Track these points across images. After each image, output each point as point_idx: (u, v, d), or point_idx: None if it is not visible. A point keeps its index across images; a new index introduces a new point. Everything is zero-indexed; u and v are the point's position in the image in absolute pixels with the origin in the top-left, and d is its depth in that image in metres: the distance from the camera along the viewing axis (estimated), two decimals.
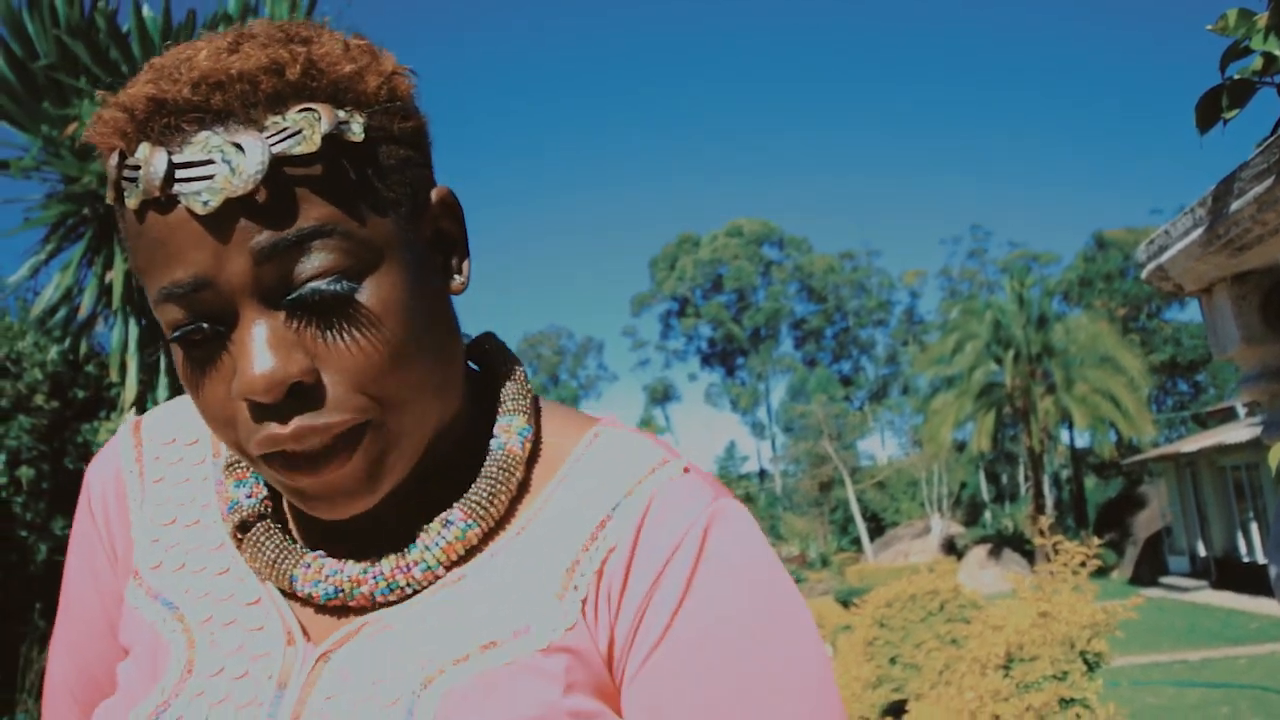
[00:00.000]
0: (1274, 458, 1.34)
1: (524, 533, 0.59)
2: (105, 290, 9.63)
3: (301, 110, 0.51)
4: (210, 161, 0.49)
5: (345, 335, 0.52)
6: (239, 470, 0.62)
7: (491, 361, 0.66)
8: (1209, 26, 1.36)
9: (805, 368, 55.05)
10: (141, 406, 9.96)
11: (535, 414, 0.64)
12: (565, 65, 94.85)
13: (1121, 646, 12.36)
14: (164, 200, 0.50)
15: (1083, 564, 3.10)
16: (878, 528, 39.93)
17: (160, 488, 0.66)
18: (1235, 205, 1.44)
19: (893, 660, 5.34)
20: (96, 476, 0.68)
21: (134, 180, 0.51)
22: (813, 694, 0.55)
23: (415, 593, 0.57)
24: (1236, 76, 1.35)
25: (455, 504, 0.58)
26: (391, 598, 0.57)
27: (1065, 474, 34.76)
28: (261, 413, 0.52)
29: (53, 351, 9.51)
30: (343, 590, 0.57)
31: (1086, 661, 2.80)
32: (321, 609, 0.58)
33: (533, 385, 0.65)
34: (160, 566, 0.62)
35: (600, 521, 0.57)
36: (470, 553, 0.58)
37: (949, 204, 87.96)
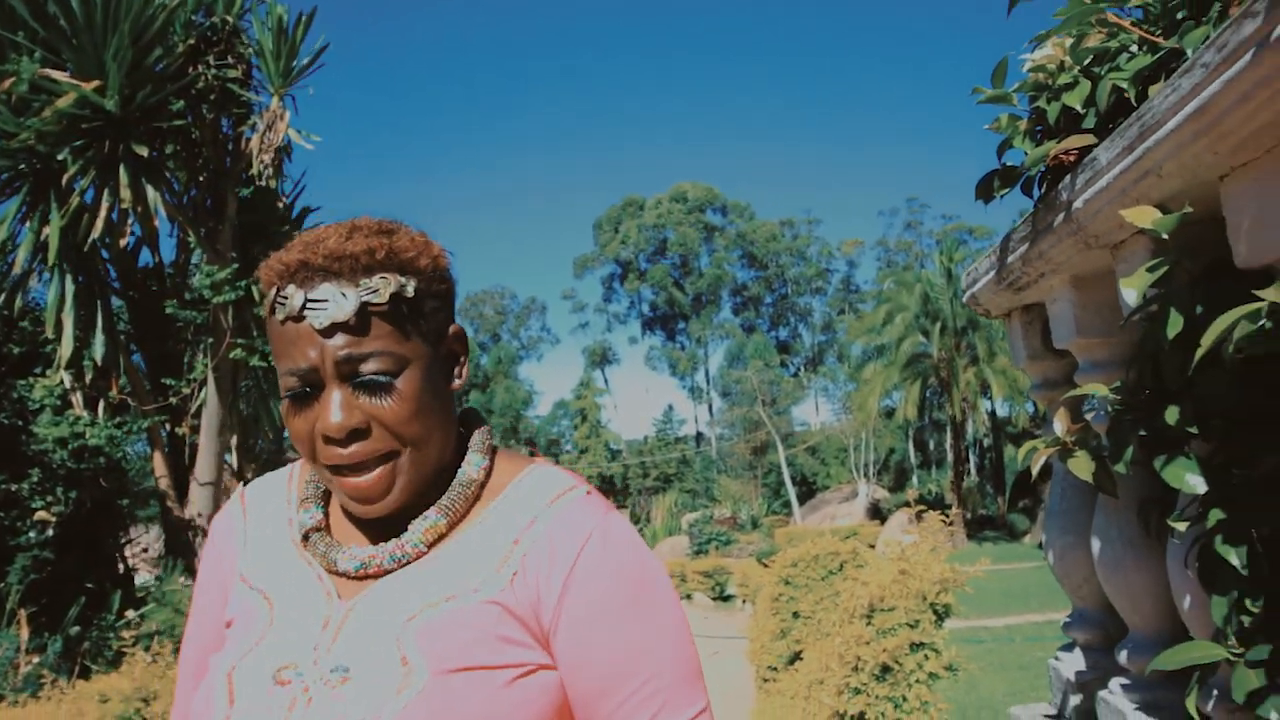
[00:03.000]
0: (1022, 453, 1.76)
1: (477, 527, 0.95)
2: (41, 246, 9.62)
3: (381, 277, 0.88)
4: (327, 301, 0.87)
5: (386, 404, 0.88)
6: (306, 504, 0.99)
7: (470, 422, 1.04)
8: (987, 126, 1.76)
9: (744, 333, 55.71)
10: (78, 364, 10.01)
11: (492, 454, 1.01)
12: (516, 28, 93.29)
13: (1020, 605, 13.23)
14: (298, 319, 0.87)
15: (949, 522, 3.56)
16: (809, 491, 41.00)
17: (255, 525, 1.03)
18: (1010, 259, 1.86)
19: (795, 615, 5.84)
20: (216, 526, 1.06)
21: (283, 304, 0.88)
22: (672, 631, 0.93)
23: (408, 563, 0.92)
24: (1007, 164, 1.75)
25: (433, 506, 0.95)
26: (393, 567, 0.92)
27: (988, 442, 36.06)
28: (332, 443, 0.89)
29: None
30: (364, 564, 0.92)
31: (936, 612, 3.28)
32: (352, 579, 0.93)
33: (493, 431, 1.04)
34: (253, 569, 0.99)
35: (529, 522, 0.94)
36: (441, 538, 0.93)
37: (890, 174, 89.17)
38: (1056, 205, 1.57)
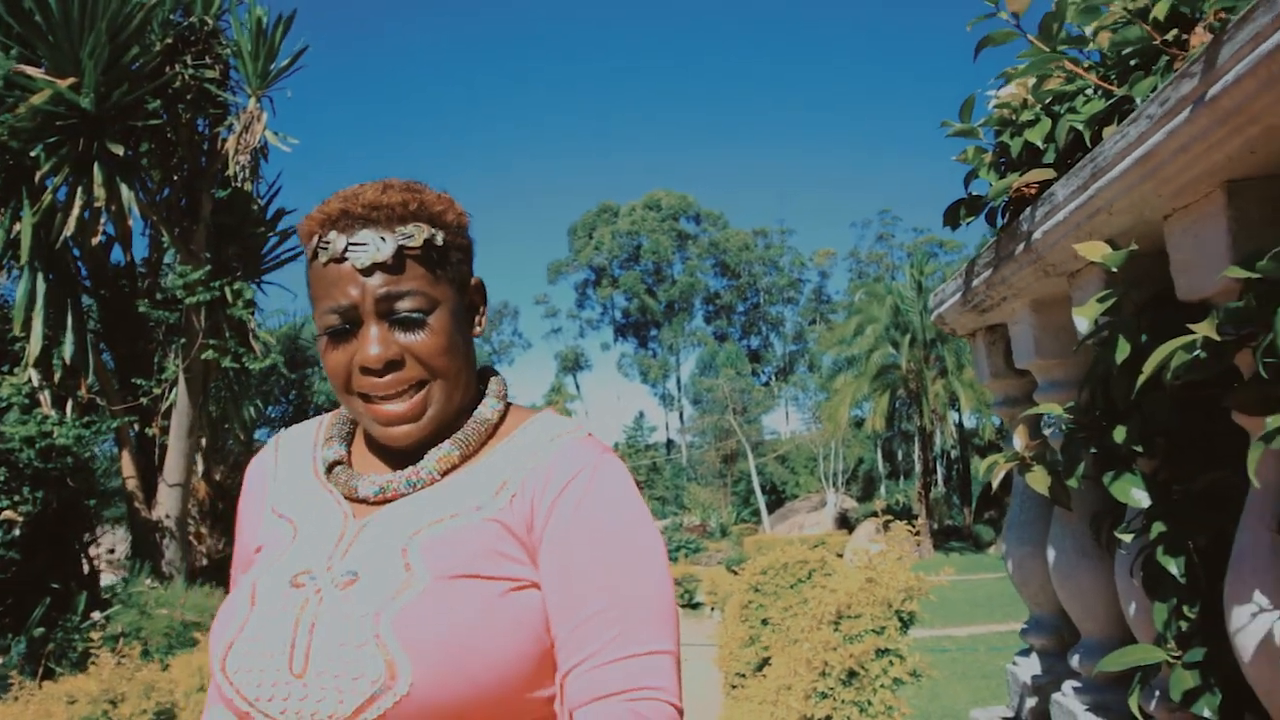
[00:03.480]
0: (983, 467, 1.85)
1: (485, 462, 1.04)
2: (12, 243, 9.52)
3: (415, 225, 0.98)
4: (367, 244, 0.96)
5: (419, 338, 0.98)
6: (330, 442, 1.09)
7: (487, 375, 1.13)
8: (954, 157, 1.87)
9: (716, 342, 55.96)
10: (46, 362, 9.90)
11: (505, 401, 1.11)
12: (496, 36, 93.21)
13: (984, 614, 13.41)
14: (340, 260, 0.97)
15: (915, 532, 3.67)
16: (778, 500, 41.19)
17: (285, 465, 1.12)
18: (975, 282, 1.96)
19: (764, 622, 5.94)
20: (251, 471, 1.16)
21: (326, 249, 0.97)
22: (647, 567, 0.99)
23: (422, 488, 1.01)
24: (974, 193, 1.85)
25: (448, 440, 1.03)
26: (408, 491, 1.01)
27: (956, 453, 36.44)
28: (369, 374, 0.98)
29: None
30: (382, 488, 1.00)
31: (901, 619, 3.38)
32: (371, 503, 1.02)
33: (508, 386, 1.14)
34: (282, 500, 1.08)
35: (533, 454, 1.02)
36: (454, 469, 1.02)
37: (863, 186, 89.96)
38: (1018, 234, 1.67)
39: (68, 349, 9.79)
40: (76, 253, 10.50)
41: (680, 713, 0.94)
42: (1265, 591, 1.11)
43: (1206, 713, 1.27)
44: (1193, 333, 1.09)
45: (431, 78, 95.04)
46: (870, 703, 3.22)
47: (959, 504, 33.82)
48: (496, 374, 1.13)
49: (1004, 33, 1.47)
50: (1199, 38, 1.23)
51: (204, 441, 11.58)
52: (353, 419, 1.12)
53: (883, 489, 40.03)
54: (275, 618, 0.93)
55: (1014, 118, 1.73)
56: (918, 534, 3.97)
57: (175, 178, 10.45)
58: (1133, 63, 1.42)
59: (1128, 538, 1.43)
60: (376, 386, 0.98)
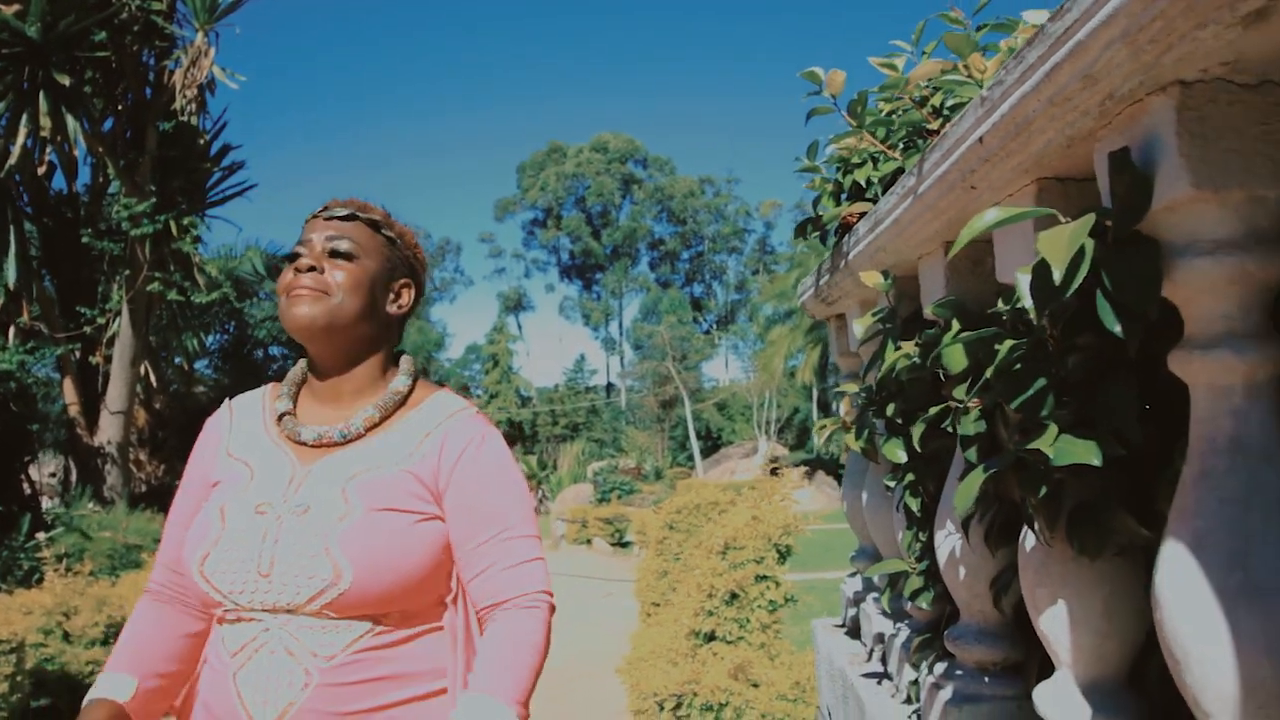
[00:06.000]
0: (816, 429, 2.38)
1: (400, 424, 1.44)
2: None
3: (372, 213, 1.44)
4: (337, 210, 1.41)
5: (340, 266, 1.37)
6: (281, 399, 1.47)
7: (399, 356, 1.54)
8: (806, 185, 2.35)
9: (659, 288, 56.35)
10: None
11: (415, 377, 1.52)
12: None
13: None
14: (317, 215, 1.42)
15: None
16: (714, 446, 42.10)
17: (240, 419, 1.50)
18: (822, 281, 2.47)
19: (676, 557, 6.54)
20: (208, 425, 1.53)
21: (316, 211, 1.43)
22: (520, 505, 1.43)
23: (351, 439, 1.37)
24: (820, 213, 2.35)
25: (371, 404, 1.44)
26: (340, 441, 1.36)
27: None
28: (298, 276, 1.35)
29: None
30: (320, 435, 1.36)
31: (779, 551, 3.97)
32: (311, 448, 1.37)
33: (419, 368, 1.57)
34: (238, 447, 1.46)
35: (436, 425, 1.44)
36: (376, 427, 1.39)
37: (812, 138, 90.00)
38: (842, 251, 2.17)
39: (10, 275, 9.88)
40: (18, 179, 10.50)
41: (551, 595, 1.39)
42: (953, 521, 1.65)
43: (924, 605, 1.82)
44: (914, 348, 1.60)
45: (383, 17, 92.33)
46: (749, 619, 3.80)
47: None
48: (407, 354, 1.55)
49: (825, 108, 1.95)
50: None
51: (147, 371, 11.75)
52: (298, 383, 1.48)
53: (815, 438, 41.06)
54: (245, 534, 1.29)
55: (849, 157, 2.22)
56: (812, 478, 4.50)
57: (120, 108, 10.48)
58: (914, 139, 1.91)
59: (892, 484, 1.97)
60: (298, 282, 1.35)
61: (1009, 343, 1.17)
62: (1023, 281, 1.02)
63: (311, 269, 1.37)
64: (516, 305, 57.10)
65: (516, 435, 47.21)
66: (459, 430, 1.42)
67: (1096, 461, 1.02)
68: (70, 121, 9.30)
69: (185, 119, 10.43)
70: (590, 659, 6.24)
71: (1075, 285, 0.92)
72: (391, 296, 1.46)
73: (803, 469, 27.48)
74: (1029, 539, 1.28)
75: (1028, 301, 1.00)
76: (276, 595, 1.27)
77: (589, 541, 21.56)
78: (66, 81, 9.04)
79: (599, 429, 46.50)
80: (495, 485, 1.40)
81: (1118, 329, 0.94)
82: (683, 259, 59.06)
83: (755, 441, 36.80)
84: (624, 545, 21.05)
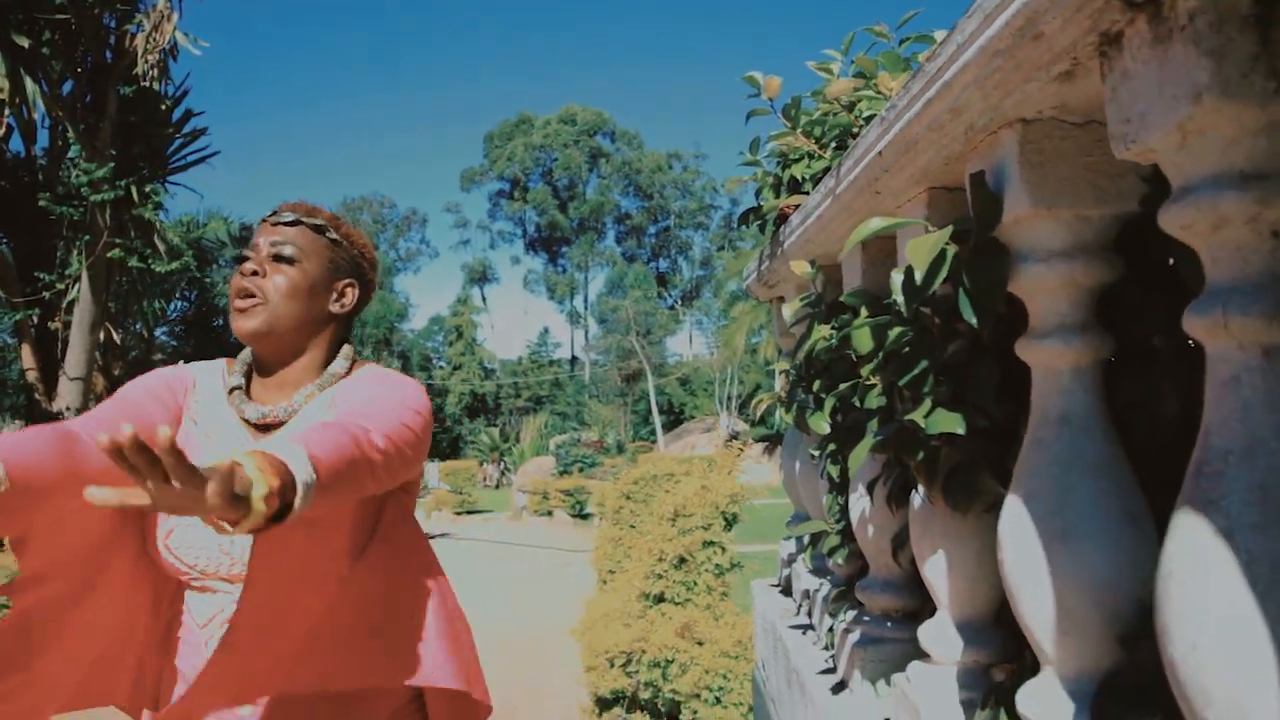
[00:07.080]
0: (754, 403, 2.58)
1: (329, 392, 1.59)
2: None
3: (318, 218, 1.55)
4: (285, 215, 1.53)
5: (281, 270, 1.48)
6: (234, 375, 1.59)
7: (342, 345, 1.67)
8: (747, 178, 2.54)
9: (625, 263, 56.43)
10: None
11: (352, 361, 1.65)
12: None
13: None
14: (265, 219, 1.54)
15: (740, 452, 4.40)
16: (676, 420, 42.50)
17: (203, 387, 1.61)
18: (763, 266, 2.66)
19: (631, 525, 6.77)
20: (172, 372, 1.62)
21: (266, 219, 1.54)
22: (412, 406, 1.39)
23: (293, 414, 1.48)
24: (761, 203, 2.53)
25: (311, 383, 1.59)
26: (285, 416, 1.47)
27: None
28: (241, 280, 1.47)
29: None
30: (264, 414, 1.47)
31: (726, 519, 4.19)
32: (257, 426, 1.48)
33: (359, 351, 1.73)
34: (200, 416, 1.51)
35: (355, 379, 1.52)
36: (315, 401, 1.49)
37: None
38: (779, 240, 2.36)
39: None
40: None
41: (369, 433, 1.22)
42: (863, 481, 1.85)
43: (840, 560, 2.04)
44: (831, 331, 1.80)
45: None
46: (696, 583, 4.02)
47: None
48: (350, 344, 1.66)
49: (763, 110, 2.13)
50: None
51: (108, 337, 11.71)
52: (249, 363, 1.57)
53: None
54: None
55: (787, 153, 2.41)
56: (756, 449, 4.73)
57: (79, 71, 10.36)
58: (845, 139, 2.10)
59: (816, 453, 2.17)
60: (244, 286, 1.47)
61: (898, 329, 1.37)
62: (896, 280, 1.21)
63: (255, 273, 1.49)
64: (481, 277, 56.92)
65: (480, 407, 47.17)
66: (366, 371, 1.58)
67: (961, 430, 1.22)
68: (29, 84, 9.21)
69: (147, 84, 10.35)
70: (549, 625, 6.47)
71: (935, 285, 1.12)
72: (334, 296, 1.57)
73: (763, 445, 27.84)
74: (916, 499, 1.48)
75: (899, 297, 1.19)
76: (240, 567, 1.40)
77: (550, 514, 21.78)
78: (25, 43, 8.95)
79: (562, 402, 46.70)
80: (384, 391, 1.46)
81: (974, 320, 1.14)
82: (649, 234, 59.18)
83: (717, 417, 37.20)
84: (584, 517, 21.35)
